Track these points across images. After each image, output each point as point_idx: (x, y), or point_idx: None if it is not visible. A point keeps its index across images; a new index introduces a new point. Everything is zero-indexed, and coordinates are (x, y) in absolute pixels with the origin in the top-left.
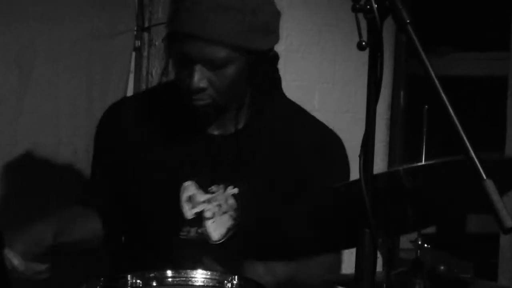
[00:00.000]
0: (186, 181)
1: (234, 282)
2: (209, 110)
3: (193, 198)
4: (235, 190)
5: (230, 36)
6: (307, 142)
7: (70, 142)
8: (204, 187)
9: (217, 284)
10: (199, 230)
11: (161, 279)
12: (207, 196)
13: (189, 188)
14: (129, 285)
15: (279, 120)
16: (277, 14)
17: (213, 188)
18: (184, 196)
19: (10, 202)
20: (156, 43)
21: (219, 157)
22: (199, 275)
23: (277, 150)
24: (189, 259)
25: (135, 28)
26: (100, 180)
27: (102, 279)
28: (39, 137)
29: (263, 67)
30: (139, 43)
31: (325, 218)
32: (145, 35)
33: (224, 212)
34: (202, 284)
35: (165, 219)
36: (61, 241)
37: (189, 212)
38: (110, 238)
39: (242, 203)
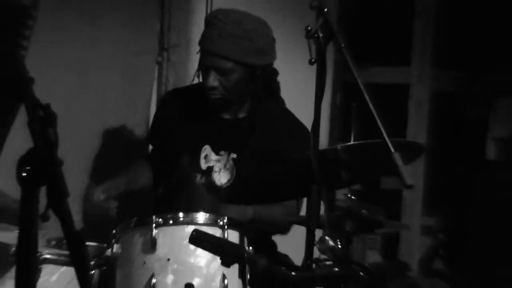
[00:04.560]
0: (204, 145)
1: (225, 221)
2: (219, 102)
3: (208, 157)
4: (234, 155)
5: (233, 54)
6: (285, 130)
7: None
8: (215, 151)
9: (213, 222)
10: (208, 178)
11: (175, 219)
12: (217, 157)
13: (206, 150)
14: (154, 222)
15: (270, 114)
16: (271, 41)
17: (222, 152)
18: (203, 154)
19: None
20: (172, 60)
21: (227, 133)
22: (201, 216)
23: (265, 134)
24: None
25: (158, 48)
26: (154, 149)
27: (135, 218)
28: (102, 125)
29: (260, 76)
30: (160, 59)
31: (290, 177)
32: (165, 53)
33: (227, 169)
34: (203, 222)
35: (189, 168)
36: (129, 189)
37: (204, 165)
38: (155, 186)
39: (238, 164)
